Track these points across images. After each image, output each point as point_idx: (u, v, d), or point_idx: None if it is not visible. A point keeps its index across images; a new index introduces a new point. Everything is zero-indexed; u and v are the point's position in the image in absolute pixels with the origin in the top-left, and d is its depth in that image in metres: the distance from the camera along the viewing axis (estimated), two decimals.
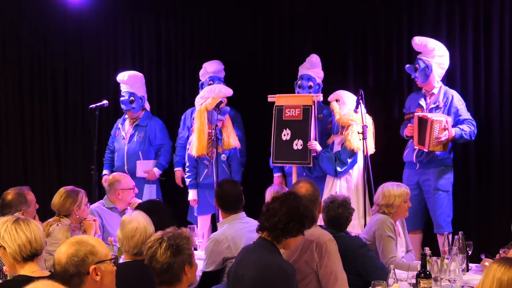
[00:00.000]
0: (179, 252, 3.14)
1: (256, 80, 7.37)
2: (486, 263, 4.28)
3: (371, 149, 6.36)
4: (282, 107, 6.63)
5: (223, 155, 6.73)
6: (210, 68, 7.13)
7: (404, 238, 5.18)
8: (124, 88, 7.29)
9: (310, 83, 6.74)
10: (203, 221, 6.96)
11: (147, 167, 7.17)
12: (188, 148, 6.91)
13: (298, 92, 6.76)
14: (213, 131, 6.60)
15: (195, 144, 6.78)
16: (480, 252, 4.79)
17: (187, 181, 6.99)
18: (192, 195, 6.99)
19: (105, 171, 7.31)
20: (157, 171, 7.24)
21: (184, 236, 3.19)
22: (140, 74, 7.42)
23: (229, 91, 6.79)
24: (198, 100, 6.84)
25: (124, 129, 7.33)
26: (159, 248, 3.14)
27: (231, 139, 6.73)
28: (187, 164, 6.99)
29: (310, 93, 6.69)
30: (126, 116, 7.36)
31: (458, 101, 6.32)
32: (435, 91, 6.36)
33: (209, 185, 6.85)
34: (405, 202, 5.05)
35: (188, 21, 7.72)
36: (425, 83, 6.35)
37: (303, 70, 6.82)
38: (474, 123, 6.26)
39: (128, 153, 7.21)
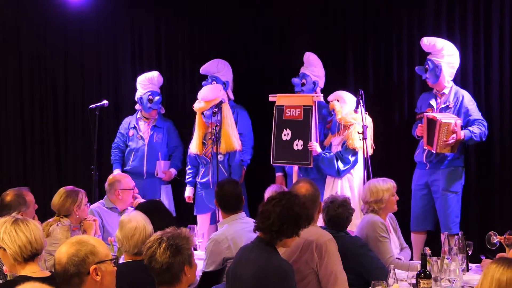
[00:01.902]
0: (178, 252, 3.13)
1: (256, 79, 7.36)
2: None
3: (369, 150, 6.34)
4: (283, 107, 6.62)
5: (219, 156, 6.74)
6: (206, 67, 7.13)
7: (395, 235, 5.17)
8: (150, 88, 7.27)
9: (303, 81, 6.74)
10: (202, 220, 6.98)
11: (165, 168, 7.21)
12: (190, 148, 6.96)
13: (295, 91, 6.77)
14: (213, 130, 6.60)
15: (192, 142, 6.88)
16: (480, 252, 4.80)
17: (186, 178, 7.06)
18: (187, 191, 7.05)
19: (117, 171, 7.22)
20: (173, 172, 7.28)
21: (183, 236, 3.19)
22: None
23: (205, 96, 6.75)
24: None
25: (140, 129, 7.33)
26: (158, 248, 3.13)
27: (230, 142, 6.71)
28: (188, 162, 7.04)
29: (302, 90, 6.69)
30: (140, 115, 7.36)
31: (469, 101, 6.27)
32: (446, 91, 6.32)
33: (205, 184, 6.88)
34: (393, 196, 5.05)
35: (188, 21, 7.72)
36: (435, 84, 6.32)
37: (302, 69, 6.83)
38: (484, 123, 6.21)
39: (148, 154, 7.23)
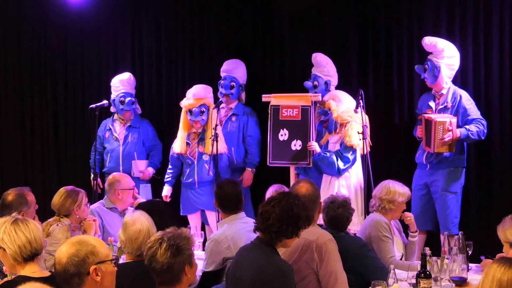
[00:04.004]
0: (179, 253, 3.14)
1: (256, 79, 7.36)
2: None
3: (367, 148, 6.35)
4: (279, 107, 6.62)
5: (204, 155, 6.75)
6: (223, 66, 7.13)
7: (400, 239, 5.18)
8: (122, 90, 7.30)
9: (316, 83, 6.73)
10: (193, 220, 6.99)
11: (141, 167, 7.21)
12: (173, 148, 6.99)
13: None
14: (214, 130, 6.59)
15: (176, 142, 6.92)
16: (480, 252, 4.80)
17: (165, 177, 7.09)
18: (164, 191, 7.06)
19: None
20: (151, 171, 7.29)
21: (184, 237, 3.19)
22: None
23: (198, 94, 6.80)
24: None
25: (115, 131, 7.34)
26: (159, 249, 3.14)
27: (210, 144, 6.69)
28: (169, 162, 7.07)
29: (316, 92, 6.68)
30: (116, 117, 7.38)
31: (467, 101, 6.27)
32: (444, 91, 6.33)
33: (190, 184, 6.90)
34: (404, 203, 5.10)
35: (188, 21, 7.72)
36: (434, 84, 6.33)
37: (312, 70, 6.81)
38: (483, 122, 6.20)
39: (124, 154, 7.25)
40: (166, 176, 7.09)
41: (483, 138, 6.21)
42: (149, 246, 3.18)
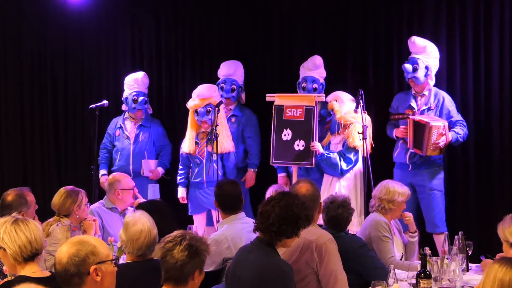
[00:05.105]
0: (196, 255, 3.15)
1: (255, 79, 7.36)
2: None
3: (368, 149, 6.34)
4: (283, 106, 6.62)
5: (214, 155, 6.76)
6: (221, 69, 7.10)
7: (400, 239, 5.19)
8: (136, 88, 7.28)
9: (315, 85, 6.74)
10: (198, 220, 6.98)
11: (152, 166, 7.21)
12: (182, 147, 6.98)
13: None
14: (213, 130, 6.59)
15: (184, 142, 6.91)
16: (480, 252, 4.80)
17: (178, 179, 7.05)
18: (180, 192, 7.04)
19: (103, 171, 7.29)
20: (161, 171, 7.28)
21: (204, 242, 3.22)
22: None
23: (202, 94, 6.80)
24: None
25: (126, 129, 7.33)
26: (178, 245, 3.14)
27: (224, 142, 6.70)
28: (180, 162, 7.04)
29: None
30: (127, 115, 7.37)
31: (449, 102, 6.32)
32: (426, 92, 6.35)
33: (198, 184, 6.90)
34: (404, 203, 5.10)
35: (188, 21, 7.72)
36: (421, 84, 6.33)
37: (306, 71, 6.79)
38: (465, 123, 6.28)
39: (134, 153, 7.23)
40: (179, 177, 7.04)
41: (465, 139, 6.30)
42: (169, 240, 3.18)
